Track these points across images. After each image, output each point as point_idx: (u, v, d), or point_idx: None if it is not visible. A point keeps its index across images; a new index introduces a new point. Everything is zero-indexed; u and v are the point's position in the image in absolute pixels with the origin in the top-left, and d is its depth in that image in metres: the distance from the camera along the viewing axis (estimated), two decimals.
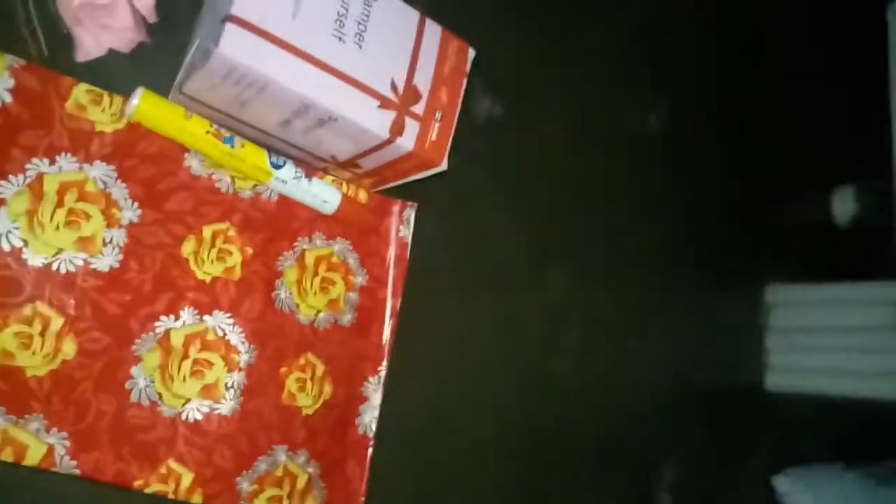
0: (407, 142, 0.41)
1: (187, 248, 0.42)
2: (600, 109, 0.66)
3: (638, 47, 0.70)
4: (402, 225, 0.50)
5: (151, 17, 0.40)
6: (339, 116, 0.39)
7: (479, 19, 0.56)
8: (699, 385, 0.75)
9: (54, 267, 0.37)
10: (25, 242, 0.37)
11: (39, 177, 0.37)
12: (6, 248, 0.36)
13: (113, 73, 0.41)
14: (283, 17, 0.37)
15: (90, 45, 0.39)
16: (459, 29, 0.45)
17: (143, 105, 0.39)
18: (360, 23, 0.40)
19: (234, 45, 0.35)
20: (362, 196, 0.49)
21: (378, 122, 0.40)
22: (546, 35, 0.62)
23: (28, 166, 0.37)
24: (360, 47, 0.40)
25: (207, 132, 0.40)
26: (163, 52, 0.42)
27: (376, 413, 0.49)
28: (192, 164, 0.42)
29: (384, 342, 0.49)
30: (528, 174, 0.61)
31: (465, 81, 0.45)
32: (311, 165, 0.47)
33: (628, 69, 0.69)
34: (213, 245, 0.42)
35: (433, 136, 0.43)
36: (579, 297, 0.63)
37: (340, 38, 0.39)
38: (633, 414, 0.68)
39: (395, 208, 0.50)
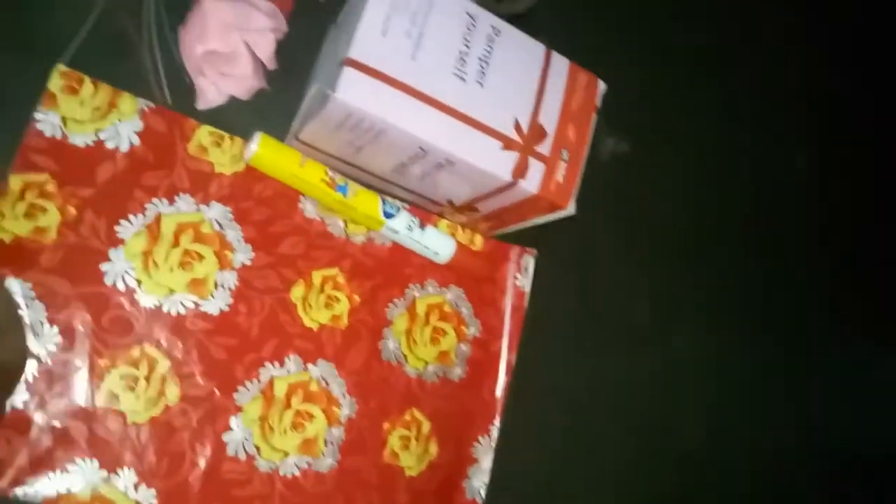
0: (531, 185, 0.38)
1: (296, 293, 0.40)
2: (739, 148, 0.60)
3: (786, 79, 0.63)
4: (519, 273, 0.47)
5: (271, 65, 0.40)
6: (457, 160, 0.36)
7: (603, 51, 0.52)
8: (856, 452, 0.64)
9: (165, 308, 0.37)
10: (139, 283, 0.37)
11: (158, 217, 0.37)
12: (121, 288, 0.36)
13: (233, 116, 0.40)
14: (403, 59, 0.35)
15: (211, 93, 0.39)
16: (582, 62, 0.42)
17: (261, 151, 0.38)
18: (482, 60, 0.37)
19: (351, 90, 0.33)
20: (478, 241, 0.46)
21: (500, 164, 0.37)
22: (677, 66, 0.57)
23: (147, 206, 0.37)
24: (482, 85, 0.37)
25: (322, 180, 0.39)
26: (283, 95, 0.41)
27: (486, 477, 0.44)
28: (307, 206, 0.41)
29: (497, 399, 0.45)
30: (656, 219, 0.55)
31: (594, 117, 0.41)
32: (426, 209, 0.45)
33: (773, 103, 0.62)
34: (321, 291, 0.41)
35: (559, 177, 0.39)
36: (708, 358, 0.56)
37: (461, 77, 0.36)
38: (767, 485, 0.59)
39: (513, 255, 0.47)
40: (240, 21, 0.38)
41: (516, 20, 0.42)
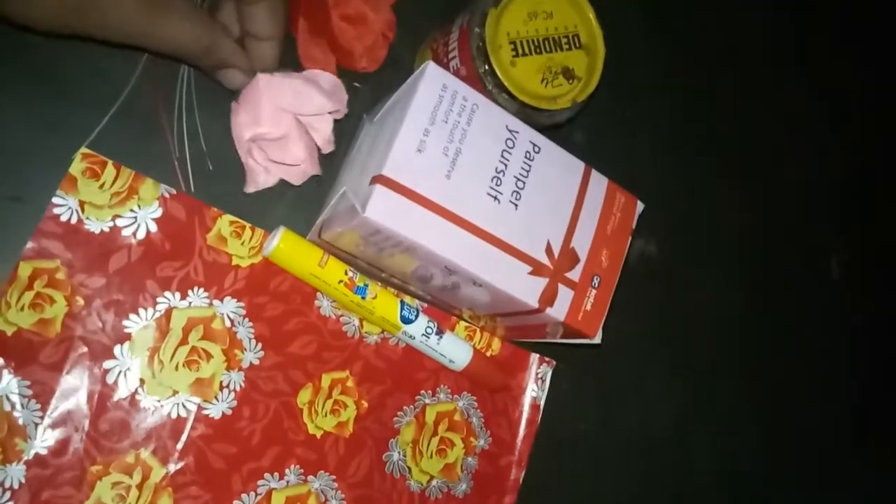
0: (558, 313, 0.36)
1: (304, 397, 0.38)
2: (769, 252, 0.58)
3: (816, 182, 0.62)
4: (536, 384, 0.45)
5: (328, 148, 0.39)
6: (484, 282, 0.35)
7: (633, 147, 0.51)
8: None
9: (165, 411, 0.35)
10: (142, 382, 0.35)
11: (168, 312, 0.36)
12: (123, 387, 0.35)
13: (257, 202, 0.39)
14: (438, 178, 0.33)
15: (261, 177, 0.38)
16: (614, 161, 0.40)
17: (282, 245, 0.37)
18: (518, 178, 0.36)
19: (381, 210, 0.32)
20: (495, 346, 0.44)
21: (528, 290, 0.36)
22: (709, 167, 0.56)
23: (160, 300, 0.36)
24: (517, 207, 0.35)
25: (340, 281, 0.37)
26: (311, 183, 0.40)
27: None
28: (323, 303, 0.40)
29: None
30: (683, 327, 0.53)
31: (629, 241, 0.39)
32: (445, 311, 0.43)
33: (805, 206, 0.61)
34: (329, 396, 0.39)
35: (588, 305, 0.37)
36: (729, 470, 0.54)
37: (496, 198, 0.35)
38: None
39: (531, 364, 0.45)
40: (297, 102, 0.36)
41: (557, 129, 0.41)
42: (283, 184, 0.39)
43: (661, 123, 0.53)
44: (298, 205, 0.40)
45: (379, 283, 0.40)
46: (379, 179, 0.32)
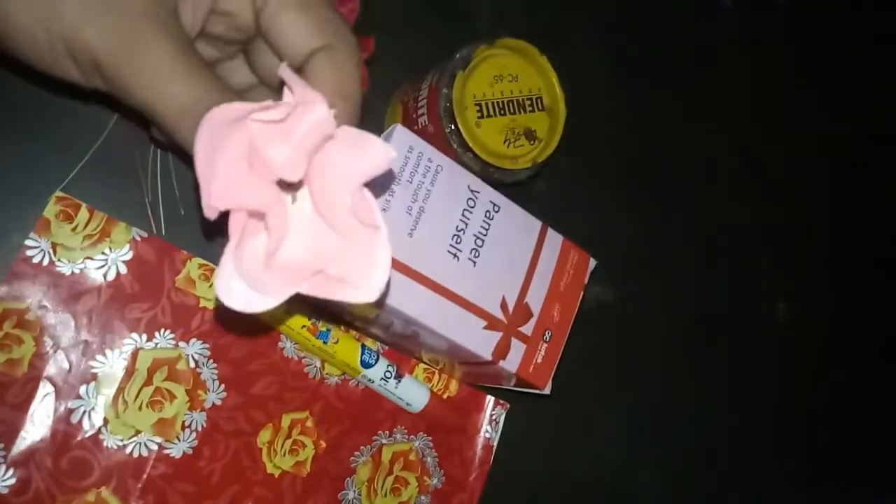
0: (510, 365, 0.38)
1: (263, 437, 0.40)
2: (721, 297, 0.61)
3: (768, 225, 0.65)
4: (489, 425, 0.47)
5: None
6: (440, 335, 0.37)
7: (592, 196, 0.54)
8: None
9: (128, 450, 0.36)
10: (106, 422, 0.36)
11: (135, 353, 0.37)
12: (87, 426, 0.36)
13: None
14: (400, 236, 0.35)
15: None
16: (571, 209, 0.42)
17: None
18: (477, 237, 0.38)
19: None
20: (453, 388, 0.46)
21: (482, 343, 0.37)
22: (669, 220, 0.59)
23: (126, 341, 0.37)
24: (475, 264, 0.37)
25: (303, 326, 0.39)
26: None
27: None
28: (286, 345, 0.41)
29: None
30: (638, 371, 0.56)
31: (581, 296, 0.41)
32: (406, 353, 0.45)
33: (755, 248, 0.64)
34: (289, 436, 0.40)
35: (539, 359, 0.39)
36: None
37: (455, 255, 0.37)
38: None
39: (487, 406, 0.47)
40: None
41: (517, 186, 0.43)
42: None
43: (620, 176, 0.56)
44: None
45: (341, 327, 0.42)
46: None
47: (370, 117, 0.45)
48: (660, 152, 0.59)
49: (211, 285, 0.39)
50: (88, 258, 0.36)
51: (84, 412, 0.36)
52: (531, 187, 0.51)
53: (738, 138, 0.63)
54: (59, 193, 0.36)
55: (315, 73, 0.24)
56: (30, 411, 0.34)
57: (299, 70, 0.25)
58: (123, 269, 0.37)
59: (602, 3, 0.56)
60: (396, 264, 0.35)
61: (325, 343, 0.40)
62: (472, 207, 0.38)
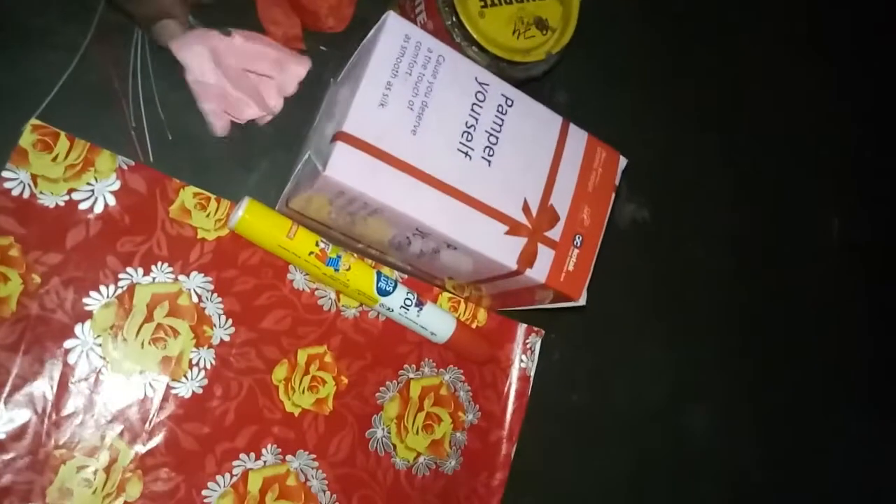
0: (538, 274, 0.34)
1: (279, 374, 0.37)
2: (767, 213, 0.56)
3: (815, 136, 0.59)
4: (525, 354, 0.43)
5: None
6: (458, 244, 0.33)
7: (620, 106, 0.49)
8: None
9: (132, 390, 0.34)
10: (106, 361, 0.33)
11: (131, 288, 0.34)
12: (85, 367, 0.33)
13: (224, 175, 0.37)
14: (402, 133, 0.31)
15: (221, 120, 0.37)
16: (601, 123, 0.38)
17: (246, 216, 0.35)
18: (491, 133, 0.34)
19: (343, 168, 0.30)
20: (481, 317, 0.43)
21: (505, 251, 0.34)
22: (704, 128, 0.54)
23: (121, 276, 0.34)
24: (489, 163, 0.34)
25: (311, 253, 0.36)
26: (280, 154, 0.38)
27: None
28: (296, 277, 0.38)
29: (493, 494, 0.41)
30: (677, 295, 0.51)
31: (612, 198, 0.37)
32: (427, 282, 0.41)
33: (804, 167, 0.58)
34: (306, 372, 0.37)
35: (570, 266, 0.35)
36: (725, 445, 0.52)
37: (467, 154, 0.33)
38: None
39: (519, 334, 0.43)
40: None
41: (532, 83, 0.39)
42: (252, 155, 0.38)
43: (648, 78, 0.51)
44: (268, 176, 0.38)
45: (354, 255, 0.38)
46: (340, 136, 0.30)
47: (362, 29, 0.41)
48: (693, 49, 0.54)
49: (209, 215, 0.36)
50: (73, 189, 0.34)
51: (81, 352, 0.33)
52: (550, 96, 0.47)
53: (785, 42, 0.58)
54: (34, 121, 0.33)
55: None
56: (21, 352, 0.32)
57: None
58: (112, 201, 0.35)
59: None
60: (401, 164, 0.31)
61: (336, 270, 0.37)
62: (482, 101, 0.34)
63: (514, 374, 0.43)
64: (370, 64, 0.31)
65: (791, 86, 0.58)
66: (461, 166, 0.33)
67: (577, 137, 0.36)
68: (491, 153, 0.34)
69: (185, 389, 0.35)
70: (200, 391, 0.35)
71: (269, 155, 0.38)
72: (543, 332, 0.44)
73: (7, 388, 0.31)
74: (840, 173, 0.60)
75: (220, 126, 0.36)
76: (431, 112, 0.32)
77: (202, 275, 0.36)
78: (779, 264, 0.56)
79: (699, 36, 0.54)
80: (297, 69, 0.37)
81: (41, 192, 0.33)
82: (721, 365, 0.52)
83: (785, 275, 0.56)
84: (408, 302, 0.39)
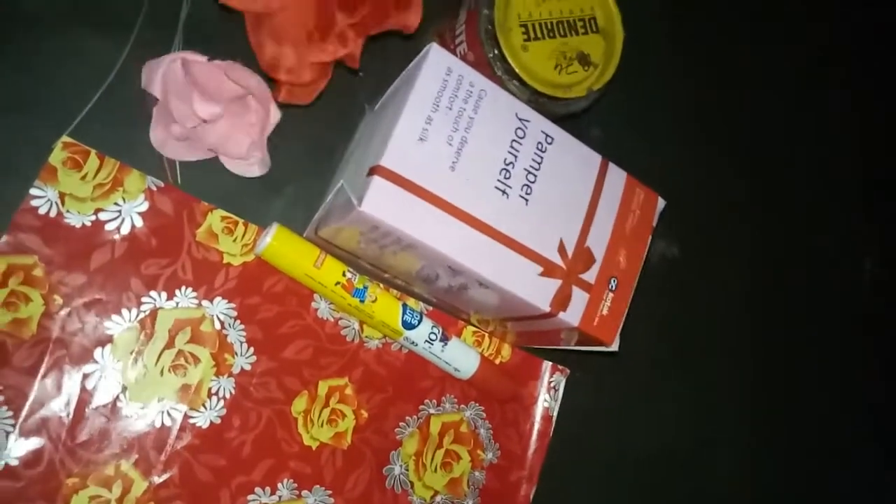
0: (572, 318, 0.33)
1: (298, 405, 0.36)
2: (798, 253, 0.55)
3: (855, 177, 0.58)
4: (548, 393, 0.42)
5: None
6: (490, 283, 0.32)
7: (654, 143, 0.48)
8: None
9: (149, 419, 0.33)
10: (124, 388, 0.33)
11: (154, 313, 0.34)
12: (102, 393, 0.32)
13: (253, 198, 0.37)
14: (441, 169, 0.31)
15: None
16: (635, 158, 0.38)
17: (274, 243, 0.34)
18: (529, 172, 0.33)
19: (379, 203, 0.29)
20: (505, 352, 0.42)
21: (539, 292, 0.33)
22: (737, 166, 0.53)
23: (144, 300, 0.33)
24: (527, 202, 0.33)
25: (337, 283, 0.35)
26: (313, 179, 0.37)
27: None
28: (321, 305, 0.37)
29: None
30: (705, 336, 0.50)
31: (649, 241, 0.36)
32: (452, 314, 0.40)
33: (837, 209, 0.57)
34: (326, 404, 0.37)
35: (604, 310, 0.34)
36: (752, 486, 0.50)
37: (504, 192, 0.32)
38: None
39: (544, 372, 0.42)
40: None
41: (571, 121, 0.38)
42: (280, 178, 0.37)
43: (684, 116, 0.50)
44: (297, 200, 0.37)
45: (380, 285, 0.38)
46: (377, 170, 0.29)
47: (405, 58, 0.41)
48: (726, 86, 0.53)
49: (236, 240, 0.36)
50: (100, 209, 0.33)
51: (100, 377, 0.32)
52: (585, 130, 0.46)
53: (813, 82, 0.57)
54: (66, 139, 0.33)
55: None
56: (39, 376, 0.31)
57: None
58: (139, 222, 0.34)
59: None
60: (437, 200, 0.30)
61: (361, 302, 0.36)
62: (522, 138, 0.33)
63: (537, 413, 0.42)
64: (411, 96, 0.31)
65: (829, 130, 0.57)
66: (498, 204, 0.32)
67: (616, 177, 0.35)
68: (529, 191, 0.33)
69: (203, 419, 0.34)
70: (219, 421, 0.34)
71: (299, 179, 0.38)
72: (568, 371, 0.43)
73: (24, 413, 0.31)
74: (879, 213, 0.59)
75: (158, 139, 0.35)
76: (470, 148, 0.32)
77: (226, 301, 0.35)
78: (809, 306, 0.55)
79: (738, 78, 0.53)
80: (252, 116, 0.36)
81: (68, 211, 0.32)
82: (748, 409, 0.50)
83: (816, 317, 0.55)
84: (433, 336, 0.38)
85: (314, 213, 0.36)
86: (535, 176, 0.33)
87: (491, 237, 0.32)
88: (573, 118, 0.38)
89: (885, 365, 0.57)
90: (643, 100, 0.48)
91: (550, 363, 0.42)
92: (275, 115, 0.36)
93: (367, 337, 0.38)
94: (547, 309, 0.33)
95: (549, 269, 0.33)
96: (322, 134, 0.38)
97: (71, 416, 0.31)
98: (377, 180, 0.29)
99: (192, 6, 0.35)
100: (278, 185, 0.37)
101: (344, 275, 0.36)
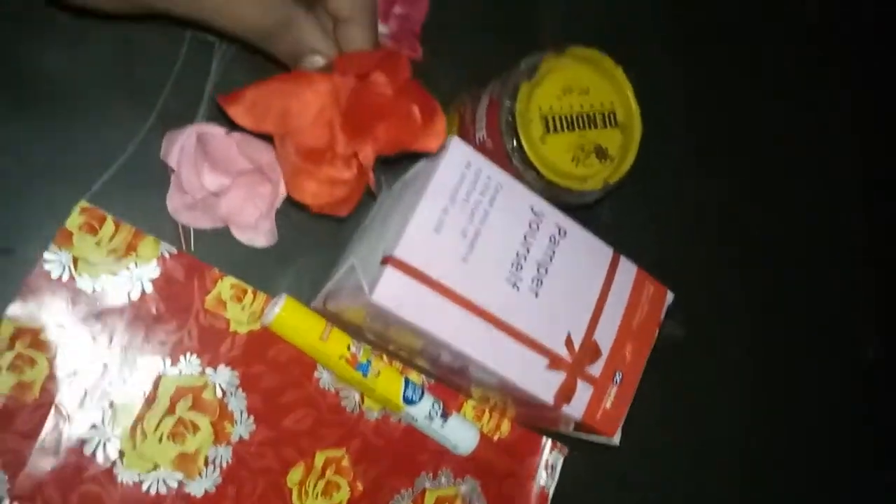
0: (575, 411, 0.33)
1: (294, 476, 0.36)
2: (803, 335, 0.55)
3: (854, 269, 0.58)
4: (545, 471, 0.42)
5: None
6: (495, 373, 0.32)
7: (663, 228, 0.48)
8: None
9: (144, 487, 0.33)
10: (122, 454, 0.33)
11: (157, 379, 0.34)
12: (101, 459, 0.32)
13: (259, 269, 0.37)
14: (453, 261, 0.31)
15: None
16: (639, 240, 0.38)
17: (283, 314, 0.35)
18: (540, 266, 0.33)
19: (390, 294, 0.29)
20: (504, 428, 0.41)
21: (543, 385, 0.33)
22: (743, 250, 0.53)
23: (148, 367, 0.33)
24: (537, 295, 0.33)
25: (341, 356, 0.35)
26: (318, 251, 0.38)
27: None
28: (323, 376, 0.37)
29: None
30: (707, 422, 0.50)
31: (656, 335, 0.36)
32: (453, 388, 0.40)
33: (840, 300, 0.57)
34: (322, 476, 0.36)
35: (608, 403, 0.34)
36: None
37: (515, 285, 0.32)
38: None
39: (543, 449, 0.42)
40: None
41: (583, 210, 0.38)
42: (290, 248, 0.37)
43: (693, 205, 0.51)
44: (306, 271, 0.38)
45: (384, 357, 0.38)
46: (390, 261, 0.30)
47: None
48: (743, 177, 0.53)
49: (244, 308, 0.36)
50: (112, 274, 0.33)
51: (98, 443, 0.32)
52: (595, 214, 0.46)
53: (821, 165, 0.57)
54: (84, 204, 0.33)
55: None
56: (39, 440, 0.31)
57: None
58: (149, 288, 0.34)
59: (681, 11, 0.51)
60: (448, 292, 0.31)
61: (364, 376, 0.36)
62: (536, 231, 0.33)
63: (534, 491, 0.42)
64: (429, 188, 0.31)
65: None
66: (508, 297, 0.32)
67: (627, 271, 0.36)
68: (539, 284, 0.33)
69: (197, 488, 0.34)
70: (213, 490, 0.34)
71: (310, 250, 0.38)
72: (566, 449, 0.43)
73: (20, 478, 0.31)
74: (881, 295, 0.59)
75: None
76: (484, 240, 0.32)
77: (230, 368, 0.35)
78: (819, 392, 0.55)
79: (746, 171, 0.54)
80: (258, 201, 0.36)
81: (80, 275, 0.33)
82: (753, 494, 0.50)
83: (821, 399, 0.55)
84: (433, 413, 0.38)
85: (322, 285, 0.36)
86: (547, 270, 0.33)
87: (499, 329, 0.32)
88: (586, 207, 0.38)
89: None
90: (654, 186, 0.49)
91: (550, 440, 0.42)
92: (284, 188, 0.36)
93: (366, 408, 0.38)
94: (551, 402, 0.33)
95: (555, 362, 0.33)
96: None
97: (66, 482, 0.31)
98: (389, 271, 0.30)
99: (218, 78, 0.35)
100: (289, 254, 0.37)
101: (349, 348, 0.36)
